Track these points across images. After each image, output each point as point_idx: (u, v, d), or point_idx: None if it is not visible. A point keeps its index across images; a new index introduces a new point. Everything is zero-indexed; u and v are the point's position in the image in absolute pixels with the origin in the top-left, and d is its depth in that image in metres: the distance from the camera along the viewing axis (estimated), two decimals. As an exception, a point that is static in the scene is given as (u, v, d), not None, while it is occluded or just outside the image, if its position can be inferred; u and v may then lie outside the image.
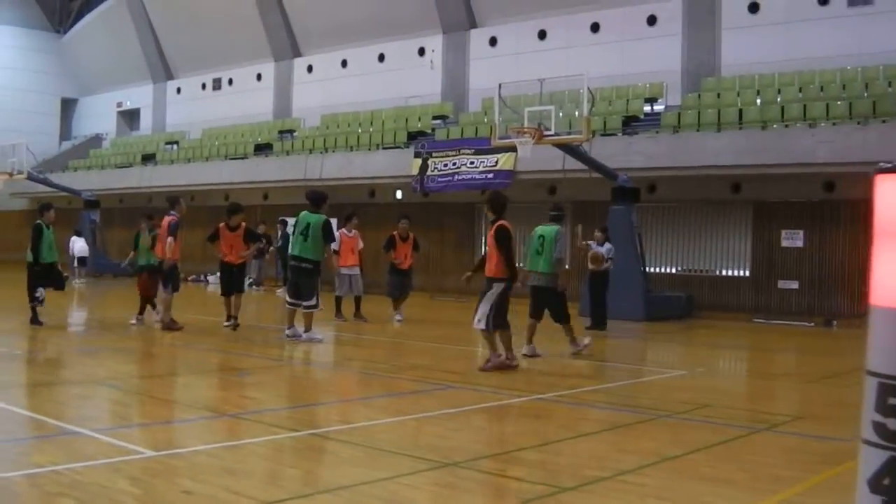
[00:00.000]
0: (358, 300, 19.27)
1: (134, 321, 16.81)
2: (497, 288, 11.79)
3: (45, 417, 8.39)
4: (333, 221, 16.10)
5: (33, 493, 5.82)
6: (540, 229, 13.87)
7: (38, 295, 16.06)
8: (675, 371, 13.12)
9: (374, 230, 21.66)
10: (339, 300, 19.25)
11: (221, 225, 16.68)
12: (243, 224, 16.86)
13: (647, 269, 23.06)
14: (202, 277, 33.36)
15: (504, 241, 11.82)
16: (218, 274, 18.18)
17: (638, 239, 22.20)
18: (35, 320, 15.95)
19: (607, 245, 18.57)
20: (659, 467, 6.82)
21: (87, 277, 32.70)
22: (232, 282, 16.72)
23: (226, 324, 16.39)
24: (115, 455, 6.76)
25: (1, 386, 10.41)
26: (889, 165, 2.98)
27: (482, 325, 11.82)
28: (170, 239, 15.89)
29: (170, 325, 15.94)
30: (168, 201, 17.02)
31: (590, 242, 18.86)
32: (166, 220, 16.18)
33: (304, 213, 15.05)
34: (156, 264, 16.58)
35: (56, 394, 10.10)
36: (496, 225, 11.98)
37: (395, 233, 20.02)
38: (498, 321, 11.86)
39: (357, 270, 19.35)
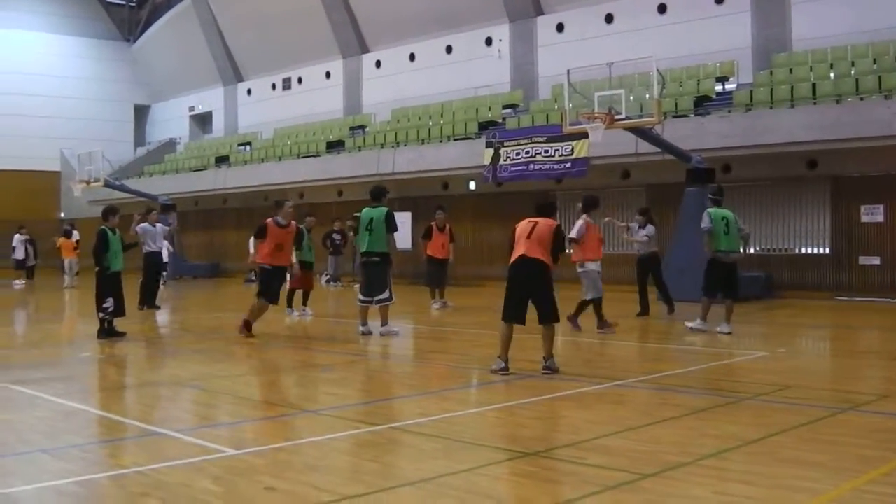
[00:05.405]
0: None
1: (300, 313, 18.70)
2: None
3: (130, 420, 8.58)
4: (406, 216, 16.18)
5: (118, 494, 5.94)
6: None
7: (106, 306, 14.86)
8: (756, 352, 12.92)
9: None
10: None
11: (433, 223, 20.79)
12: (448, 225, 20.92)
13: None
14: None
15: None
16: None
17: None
18: (103, 332, 14.91)
19: (649, 227, 18.28)
20: (741, 451, 6.75)
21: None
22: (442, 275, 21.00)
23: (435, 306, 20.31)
24: (197, 455, 6.86)
25: (85, 390, 10.69)
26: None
27: None
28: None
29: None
30: (276, 204, 15.84)
31: (630, 225, 18.78)
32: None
33: (366, 209, 15.01)
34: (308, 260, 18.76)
35: (139, 396, 10.30)
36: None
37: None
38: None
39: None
